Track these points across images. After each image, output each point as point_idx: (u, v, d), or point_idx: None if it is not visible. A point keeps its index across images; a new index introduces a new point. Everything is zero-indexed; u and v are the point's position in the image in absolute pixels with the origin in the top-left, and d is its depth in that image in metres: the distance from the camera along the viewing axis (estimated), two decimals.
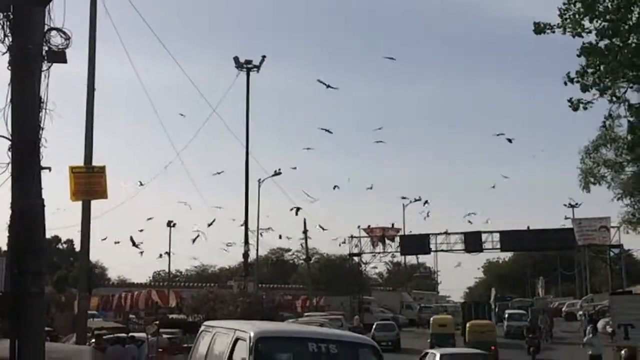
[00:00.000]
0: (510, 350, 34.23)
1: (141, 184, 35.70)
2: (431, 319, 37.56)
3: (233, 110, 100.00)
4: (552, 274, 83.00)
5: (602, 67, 16.36)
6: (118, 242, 44.67)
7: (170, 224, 51.57)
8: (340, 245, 56.79)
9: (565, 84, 16.70)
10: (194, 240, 43.33)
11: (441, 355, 18.36)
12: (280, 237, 48.47)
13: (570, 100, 16.86)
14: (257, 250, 47.30)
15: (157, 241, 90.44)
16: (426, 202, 51.89)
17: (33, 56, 7.55)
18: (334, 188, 43.85)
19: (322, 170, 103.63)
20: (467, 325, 33.41)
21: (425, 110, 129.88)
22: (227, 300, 35.13)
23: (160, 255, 50.63)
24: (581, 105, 16.75)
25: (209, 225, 42.09)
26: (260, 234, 45.68)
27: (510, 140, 37.95)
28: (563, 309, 58.97)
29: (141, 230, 43.13)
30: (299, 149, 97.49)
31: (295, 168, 49.86)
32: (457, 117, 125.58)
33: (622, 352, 19.20)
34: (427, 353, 19.60)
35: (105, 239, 42.79)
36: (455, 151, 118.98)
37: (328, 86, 33.73)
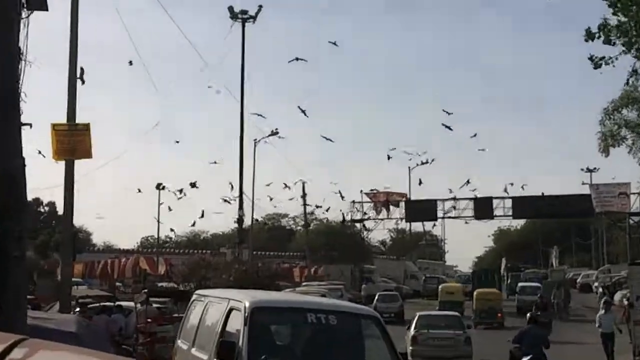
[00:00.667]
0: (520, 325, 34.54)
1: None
2: (440, 286, 41.76)
3: (229, 67, 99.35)
4: (566, 243, 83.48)
5: (629, 20, 16.15)
6: (101, 218, 45.05)
7: (159, 187, 51.74)
8: (341, 212, 56.96)
9: (586, 40, 16.51)
10: (202, 215, 43.14)
11: (419, 316, 23.30)
12: (275, 207, 48.51)
13: (591, 58, 16.69)
14: (252, 215, 47.51)
15: (147, 204, 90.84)
16: (431, 160, 51.82)
17: (11, 2, 7.48)
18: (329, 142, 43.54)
19: (324, 130, 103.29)
20: (475, 293, 37.51)
21: (431, 61, 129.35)
22: (220, 269, 35.32)
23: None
24: (603, 62, 16.60)
25: (192, 186, 42.23)
26: (258, 198, 45.90)
27: (448, 113, 38.62)
28: (578, 280, 59.48)
29: (139, 191, 43.21)
30: (296, 109, 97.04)
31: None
32: (458, 72, 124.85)
33: None
34: (415, 315, 23.82)
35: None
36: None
37: (334, 43, 34.69)
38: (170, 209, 50.23)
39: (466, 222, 57.08)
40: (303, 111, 40.97)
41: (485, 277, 50.36)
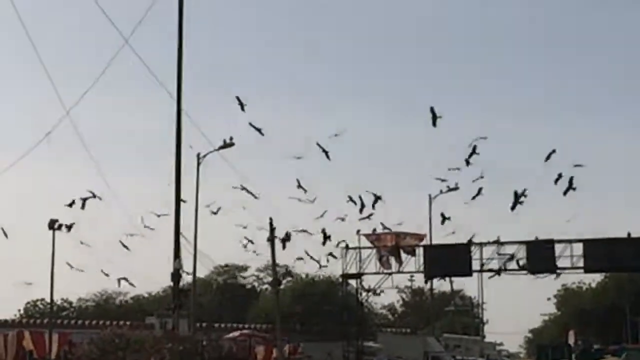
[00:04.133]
0: None
1: None
2: None
3: (158, 46, 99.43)
4: None
5: None
6: None
7: (53, 225, 51.13)
8: (327, 261, 56.61)
9: None
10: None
11: None
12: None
13: None
14: (195, 268, 47.28)
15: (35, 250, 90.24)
16: (455, 187, 51.29)
17: None
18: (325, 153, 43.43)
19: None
20: None
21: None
22: (146, 348, 35.18)
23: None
24: None
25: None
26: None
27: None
28: None
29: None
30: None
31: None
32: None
33: None
34: None
35: None
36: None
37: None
38: (71, 266, 49.30)
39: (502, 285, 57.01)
40: (241, 103, 40.85)
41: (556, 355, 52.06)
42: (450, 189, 49.97)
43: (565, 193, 42.72)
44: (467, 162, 42.47)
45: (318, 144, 41.77)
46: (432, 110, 38.06)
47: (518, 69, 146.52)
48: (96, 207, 42.81)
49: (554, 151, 41.16)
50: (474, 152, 41.97)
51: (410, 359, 63.11)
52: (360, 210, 45.74)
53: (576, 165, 42.55)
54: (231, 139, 44.85)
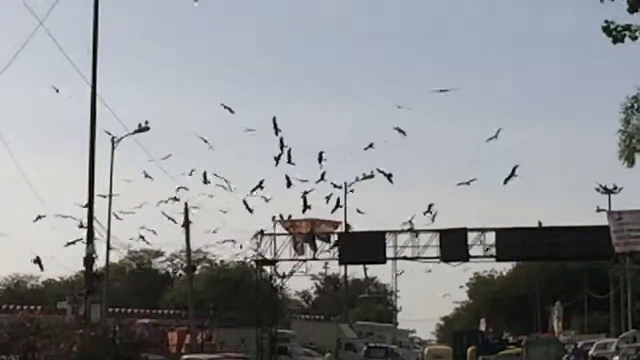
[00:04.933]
0: None
1: None
2: (425, 349, 43.34)
3: (72, 27, 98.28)
4: (574, 298, 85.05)
5: None
6: None
7: None
8: (241, 247, 56.49)
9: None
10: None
11: None
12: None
13: (608, 27, 16.54)
14: (108, 252, 46.92)
15: None
16: (390, 175, 51.55)
17: None
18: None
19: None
20: None
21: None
22: (57, 334, 34.87)
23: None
24: (627, 34, 16.61)
25: None
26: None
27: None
28: (590, 352, 60.68)
29: None
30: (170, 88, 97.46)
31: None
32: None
33: None
34: None
35: None
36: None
37: None
38: None
39: (428, 271, 57.55)
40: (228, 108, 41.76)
41: (470, 341, 53.23)
42: (365, 177, 50.27)
43: (506, 181, 42.93)
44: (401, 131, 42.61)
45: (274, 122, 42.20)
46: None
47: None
48: (10, 191, 42.43)
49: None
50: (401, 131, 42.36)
51: (323, 346, 63.43)
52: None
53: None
54: (146, 122, 44.67)
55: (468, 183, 46.56)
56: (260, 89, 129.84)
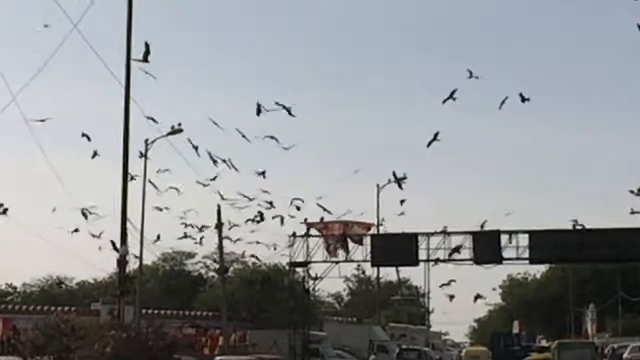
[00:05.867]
0: None
1: None
2: (463, 350, 44.10)
3: (105, 31, 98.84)
4: (609, 301, 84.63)
5: None
6: None
7: None
8: (275, 249, 56.78)
9: None
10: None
11: None
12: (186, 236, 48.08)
13: None
14: (141, 254, 47.19)
15: None
16: (403, 178, 51.56)
17: None
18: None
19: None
20: None
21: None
22: (91, 335, 35.06)
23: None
24: None
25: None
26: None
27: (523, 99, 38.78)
28: (625, 355, 60.40)
29: None
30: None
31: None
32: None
33: None
34: None
35: None
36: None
37: None
38: None
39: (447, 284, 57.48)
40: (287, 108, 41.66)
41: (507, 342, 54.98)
42: (397, 179, 50.28)
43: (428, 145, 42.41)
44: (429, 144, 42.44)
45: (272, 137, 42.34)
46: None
47: None
48: (42, 192, 42.66)
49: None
50: (435, 138, 42.28)
51: (355, 348, 63.41)
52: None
53: None
54: (179, 124, 44.79)
55: None
56: (300, 89, 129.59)
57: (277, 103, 41.96)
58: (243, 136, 43.11)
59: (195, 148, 42.82)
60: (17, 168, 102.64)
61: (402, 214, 53.21)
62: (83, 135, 41.28)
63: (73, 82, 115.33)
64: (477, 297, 56.20)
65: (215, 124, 41.42)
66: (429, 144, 41.99)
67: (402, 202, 52.06)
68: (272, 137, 44.20)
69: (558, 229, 55.40)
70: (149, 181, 46.60)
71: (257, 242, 53.20)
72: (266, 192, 47.64)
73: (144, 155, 46.43)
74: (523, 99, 39.08)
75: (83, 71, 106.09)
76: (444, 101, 39.13)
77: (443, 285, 54.56)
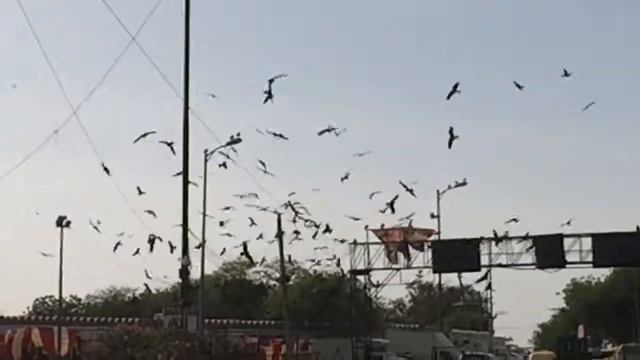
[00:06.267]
0: None
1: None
2: (530, 355, 44.66)
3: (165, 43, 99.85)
4: None
5: None
6: None
7: (61, 222, 51.27)
8: (335, 258, 56.57)
9: None
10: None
11: None
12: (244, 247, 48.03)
13: None
14: (203, 264, 47.37)
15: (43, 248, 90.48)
16: (463, 184, 51.31)
17: None
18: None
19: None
20: None
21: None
22: (155, 345, 35.25)
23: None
24: None
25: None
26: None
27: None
28: None
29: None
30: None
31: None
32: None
33: None
34: None
35: None
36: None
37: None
38: None
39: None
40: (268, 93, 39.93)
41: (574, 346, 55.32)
42: (458, 184, 50.18)
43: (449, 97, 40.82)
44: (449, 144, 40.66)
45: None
46: (450, 131, 37.33)
47: None
48: (103, 205, 42.89)
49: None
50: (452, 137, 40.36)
51: (418, 355, 63.13)
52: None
53: None
54: (238, 134, 44.82)
55: None
56: (354, 101, 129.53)
57: (271, 132, 40.93)
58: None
59: (263, 164, 42.19)
60: (79, 181, 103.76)
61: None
62: (168, 144, 40.79)
63: (131, 95, 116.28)
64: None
65: (281, 136, 41.01)
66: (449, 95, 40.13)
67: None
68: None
69: (621, 231, 54.91)
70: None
71: (321, 248, 52.95)
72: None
73: (204, 166, 46.63)
74: (566, 74, 37.93)
75: (141, 84, 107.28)
76: (448, 96, 37.98)
77: (479, 280, 53.59)
